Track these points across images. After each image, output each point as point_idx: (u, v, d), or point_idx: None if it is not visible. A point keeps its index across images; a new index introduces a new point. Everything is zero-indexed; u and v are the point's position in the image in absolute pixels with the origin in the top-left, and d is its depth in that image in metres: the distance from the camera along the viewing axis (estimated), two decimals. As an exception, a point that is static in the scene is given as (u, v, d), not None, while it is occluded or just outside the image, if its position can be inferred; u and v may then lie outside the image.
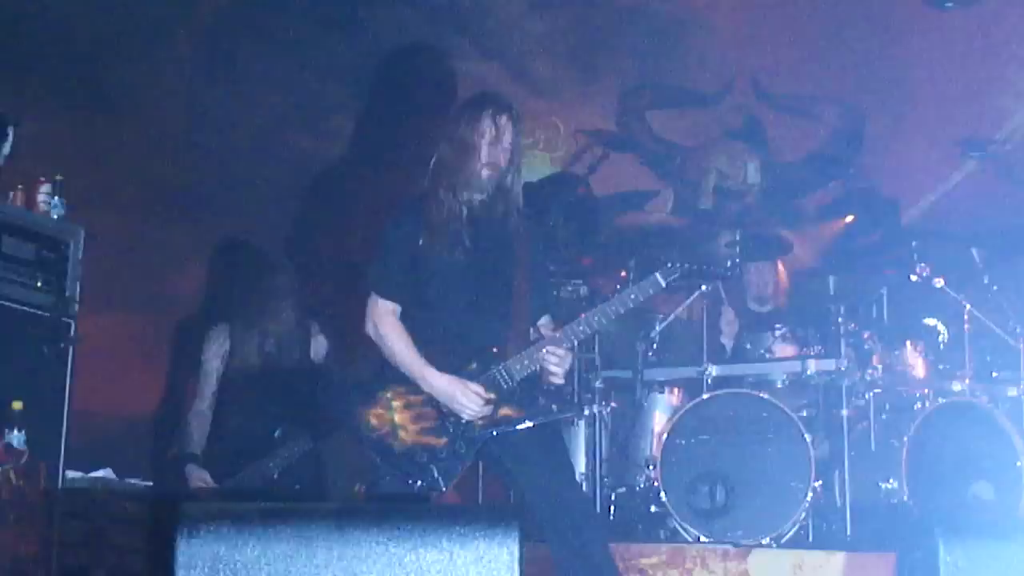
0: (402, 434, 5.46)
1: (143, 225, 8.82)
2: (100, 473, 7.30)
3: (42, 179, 7.03)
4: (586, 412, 8.09)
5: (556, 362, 5.52)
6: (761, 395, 7.63)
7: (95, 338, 7.40)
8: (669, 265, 5.60)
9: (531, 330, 5.64)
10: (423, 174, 5.67)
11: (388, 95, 8.84)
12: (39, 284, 6.85)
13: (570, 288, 8.19)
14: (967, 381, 7.85)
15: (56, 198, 7.03)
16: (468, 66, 8.75)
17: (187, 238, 9.02)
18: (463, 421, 5.44)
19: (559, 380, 5.60)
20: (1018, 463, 7.48)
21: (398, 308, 5.58)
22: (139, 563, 6.85)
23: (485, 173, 5.57)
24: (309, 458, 7.36)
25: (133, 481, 7.44)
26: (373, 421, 5.49)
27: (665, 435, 7.69)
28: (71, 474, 6.90)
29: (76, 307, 6.99)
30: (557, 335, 5.54)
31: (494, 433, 5.48)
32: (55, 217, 7.02)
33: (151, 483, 7.56)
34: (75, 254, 7.07)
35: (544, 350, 5.50)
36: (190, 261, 9.09)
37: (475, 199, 5.62)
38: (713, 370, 7.85)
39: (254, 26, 8.93)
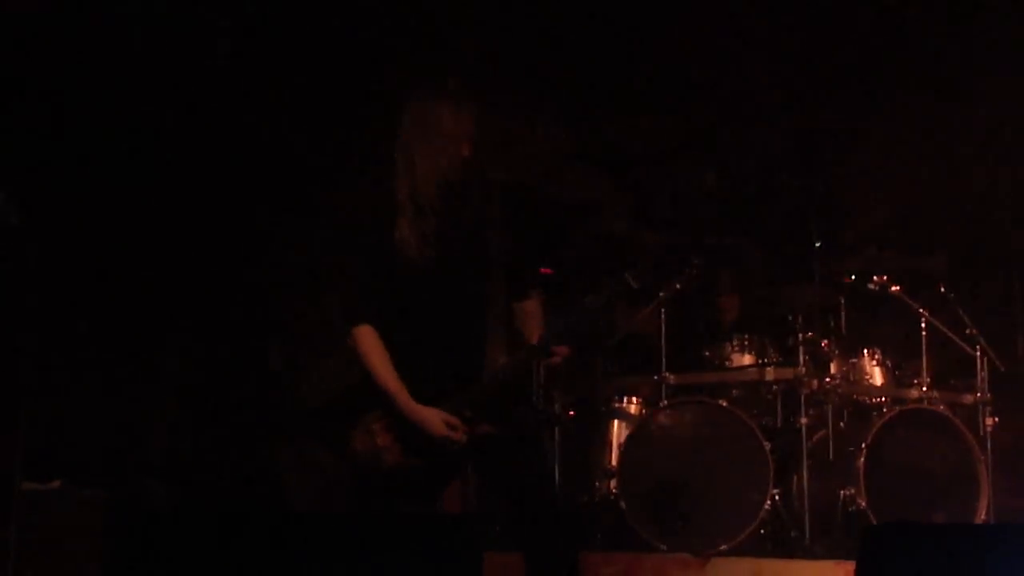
0: (385, 456, 5.42)
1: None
2: (55, 483, 7.24)
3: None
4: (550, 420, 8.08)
5: (560, 358, 5.51)
6: (720, 403, 7.64)
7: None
8: (637, 268, 5.56)
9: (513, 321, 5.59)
10: (384, 175, 5.58)
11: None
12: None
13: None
14: (924, 389, 7.88)
15: None
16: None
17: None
18: (442, 447, 5.41)
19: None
20: (976, 469, 7.53)
21: (373, 330, 5.48)
22: (96, 574, 6.80)
23: (448, 165, 5.44)
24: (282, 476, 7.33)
25: (89, 491, 7.40)
26: (357, 445, 5.46)
27: (623, 444, 7.70)
28: (27, 485, 6.84)
29: None
30: (550, 333, 5.51)
31: (475, 448, 5.45)
32: None
33: (107, 493, 7.51)
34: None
35: (553, 349, 5.47)
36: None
37: (438, 198, 5.48)
38: (671, 379, 7.86)
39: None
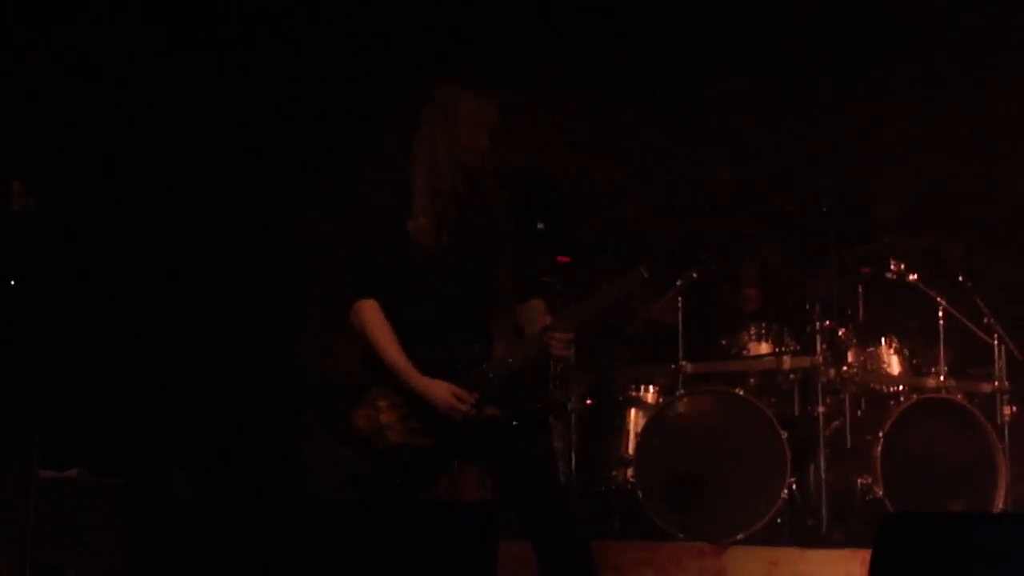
0: (389, 434, 5.42)
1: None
2: (73, 471, 7.26)
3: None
4: (565, 409, 8.09)
5: (563, 346, 5.51)
6: (737, 392, 7.64)
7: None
8: (652, 258, 5.56)
9: (515, 316, 5.59)
10: (402, 161, 5.60)
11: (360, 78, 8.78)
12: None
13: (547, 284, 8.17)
14: (942, 377, 7.88)
15: None
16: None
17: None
18: (449, 421, 5.41)
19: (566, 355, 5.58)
20: (993, 458, 7.52)
21: (378, 304, 5.50)
22: (115, 561, 6.82)
23: (468, 155, 5.49)
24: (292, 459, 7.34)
25: (107, 479, 7.42)
26: (359, 422, 5.45)
27: (640, 433, 7.70)
28: (44, 473, 6.86)
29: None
30: (555, 320, 5.51)
31: (479, 433, 5.45)
32: None
33: (125, 481, 7.54)
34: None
35: (552, 336, 5.48)
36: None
37: (457, 186, 5.51)
38: (689, 367, 7.86)
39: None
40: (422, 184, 5.49)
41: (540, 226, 5.50)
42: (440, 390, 5.37)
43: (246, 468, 7.14)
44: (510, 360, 5.45)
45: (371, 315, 5.45)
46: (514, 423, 5.43)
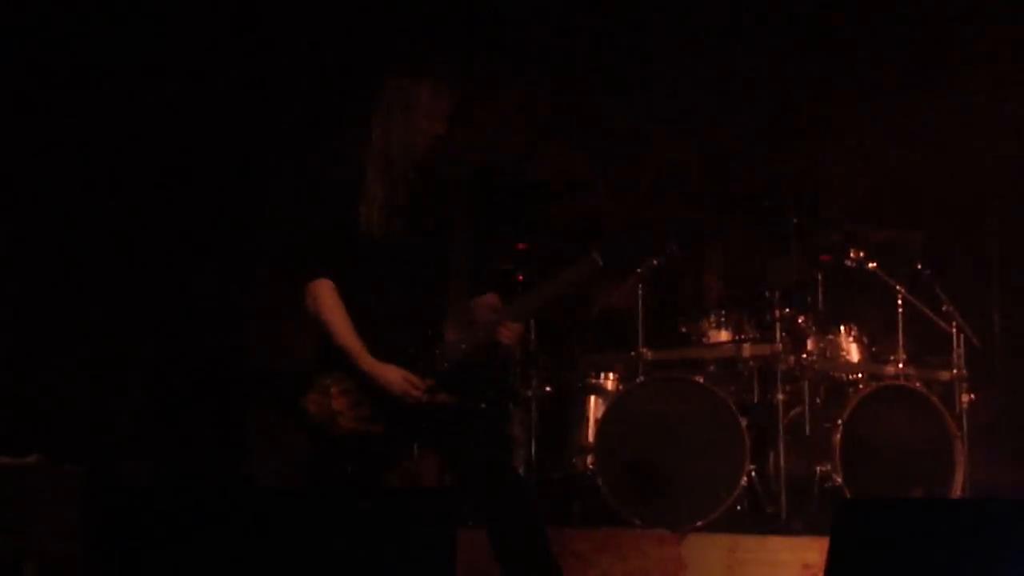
0: (340, 420, 5.40)
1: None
2: (31, 458, 7.23)
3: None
4: (523, 397, 8.08)
5: (512, 337, 5.51)
6: (696, 379, 7.65)
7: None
8: (606, 245, 5.57)
9: (469, 309, 5.59)
10: (356, 143, 5.58)
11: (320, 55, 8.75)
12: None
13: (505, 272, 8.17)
14: (901, 365, 7.91)
15: None
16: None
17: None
18: (401, 407, 5.40)
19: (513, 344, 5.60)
20: (951, 445, 7.55)
21: (332, 286, 5.47)
22: (73, 549, 6.80)
23: (423, 142, 5.48)
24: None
25: (66, 466, 7.39)
26: (311, 407, 5.43)
27: (600, 420, 7.70)
28: (1, 459, 6.83)
29: None
30: (507, 310, 5.51)
31: (432, 419, 5.44)
32: None
33: (83, 468, 7.51)
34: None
35: (502, 325, 5.47)
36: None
37: (408, 172, 5.50)
38: (648, 354, 7.86)
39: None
40: (374, 170, 5.48)
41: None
42: (393, 374, 5.35)
43: (198, 455, 7.11)
44: (463, 346, 5.44)
45: (325, 296, 5.42)
46: (466, 409, 5.43)
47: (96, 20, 7.94)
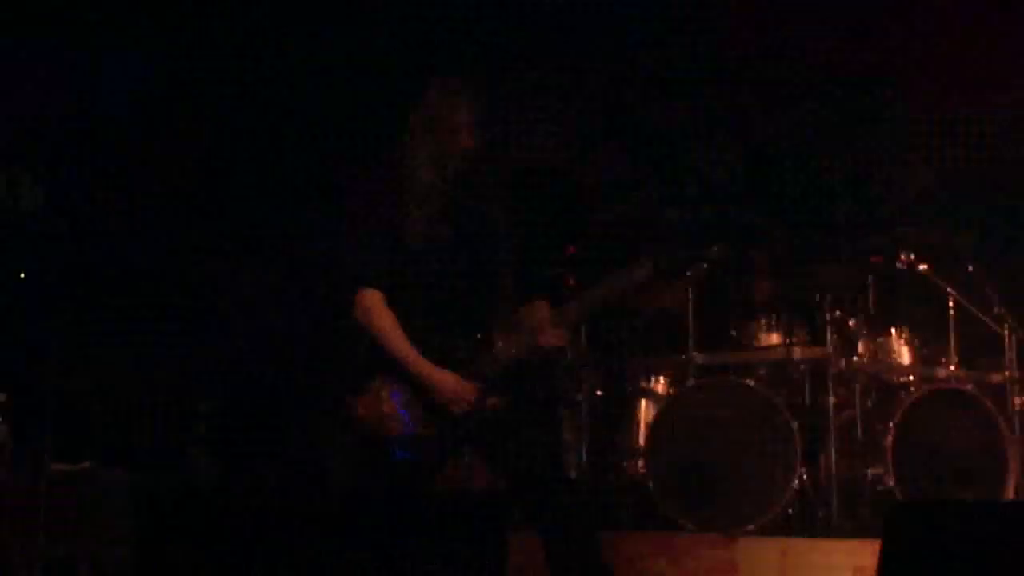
0: (389, 423, 5.42)
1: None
2: (86, 464, 7.29)
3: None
4: (573, 401, 8.09)
5: (562, 342, 5.53)
6: (747, 382, 7.64)
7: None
8: (655, 249, 5.57)
9: (518, 314, 5.60)
10: (401, 153, 5.62)
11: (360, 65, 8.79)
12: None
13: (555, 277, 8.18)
14: (952, 367, 7.88)
15: None
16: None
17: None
18: (451, 411, 5.41)
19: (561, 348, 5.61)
20: (1004, 448, 7.52)
21: (382, 295, 5.52)
22: (124, 553, 6.85)
23: (464, 151, 5.50)
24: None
25: (119, 472, 7.45)
26: (362, 411, 5.46)
27: (651, 424, 7.70)
28: (56, 466, 6.89)
29: None
30: (557, 314, 5.52)
31: (482, 423, 5.45)
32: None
33: (136, 474, 7.57)
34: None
35: (549, 332, 5.48)
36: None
37: (455, 178, 5.53)
38: (699, 358, 7.86)
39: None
40: (408, 188, 5.52)
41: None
42: (448, 379, 5.38)
43: (265, 458, 7.16)
44: (512, 351, 5.46)
45: (375, 305, 5.46)
46: (516, 413, 5.44)
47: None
